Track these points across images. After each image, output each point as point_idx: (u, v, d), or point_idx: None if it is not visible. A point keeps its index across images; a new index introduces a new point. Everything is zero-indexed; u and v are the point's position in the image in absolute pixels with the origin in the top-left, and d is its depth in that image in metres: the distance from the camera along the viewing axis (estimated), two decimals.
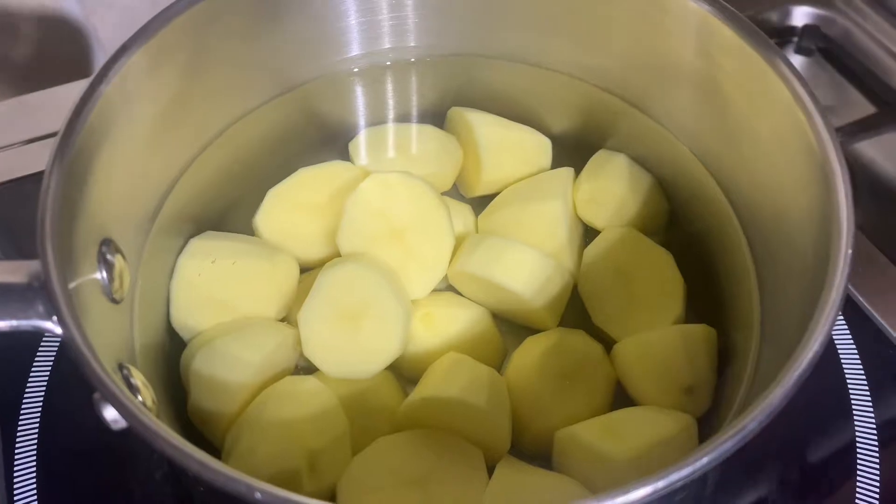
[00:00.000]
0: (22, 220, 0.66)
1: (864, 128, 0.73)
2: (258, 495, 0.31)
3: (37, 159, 0.70)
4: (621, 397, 0.53)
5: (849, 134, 0.73)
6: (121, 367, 0.43)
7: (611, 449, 0.47)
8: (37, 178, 0.67)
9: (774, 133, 0.47)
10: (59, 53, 0.84)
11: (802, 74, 0.80)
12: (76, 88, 0.74)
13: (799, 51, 0.82)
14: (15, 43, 0.82)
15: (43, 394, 0.57)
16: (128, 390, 0.38)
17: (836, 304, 0.37)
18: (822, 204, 0.42)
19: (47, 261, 0.38)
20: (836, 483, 0.54)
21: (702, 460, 0.33)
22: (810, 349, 0.36)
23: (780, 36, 0.83)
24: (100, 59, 0.85)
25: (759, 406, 0.34)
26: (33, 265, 0.39)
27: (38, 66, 0.84)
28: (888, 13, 0.80)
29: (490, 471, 0.48)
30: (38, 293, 0.38)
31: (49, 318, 0.38)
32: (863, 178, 0.75)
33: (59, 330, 0.38)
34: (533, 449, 0.52)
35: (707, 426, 0.50)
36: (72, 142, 0.43)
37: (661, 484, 0.32)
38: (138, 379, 0.44)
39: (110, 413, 0.37)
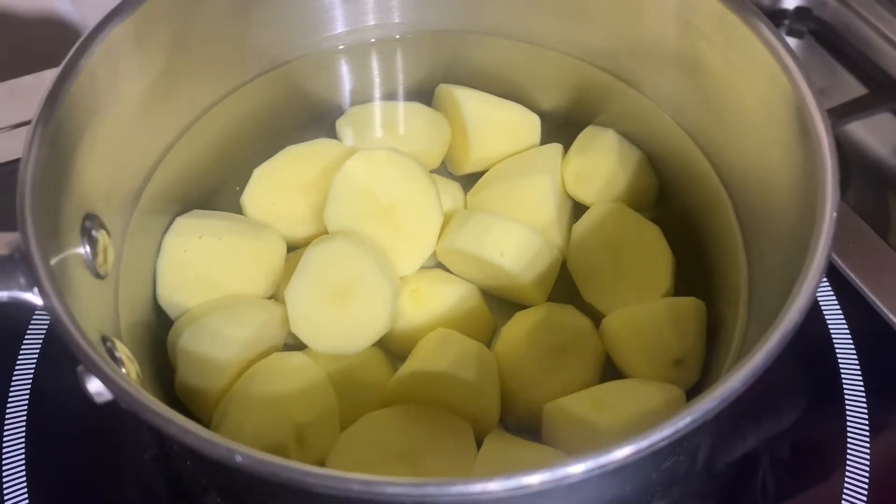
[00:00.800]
0: (10, 204, 0.66)
1: (855, 109, 0.73)
2: (239, 458, 0.31)
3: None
4: (610, 371, 0.53)
5: (840, 115, 0.73)
6: (104, 339, 0.43)
7: (599, 421, 0.46)
8: None
9: (760, 101, 0.47)
10: (48, 42, 0.83)
11: None
12: None
13: (790, 33, 0.82)
14: (1, 32, 0.81)
15: (32, 375, 0.57)
16: (111, 361, 0.38)
17: (821, 266, 0.37)
18: (808, 170, 0.42)
19: (27, 231, 0.38)
20: (826, 456, 0.54)
21: (685, 419, 0.33)
22: (794, 311, 0.36)
23: (772, 18, 0.81)
24: None
25: (742, 368, 0.34)
26: (14, 237, 0.39)
27: (25, 54, 0.84)
28: None
29: (479, 444, 0.48)
30: (19, 265, 0.38)
31: (30, 289, 0.38)
32: (854, 159, 0.75)
33: (39, 301, 0.37)
34: (522, 422, 0.52)
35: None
36: (53, 114, 0.43)
37: (644, 443, 0.32)
38: (122, 352, 0.44)
39: (94, 385, 0.37)
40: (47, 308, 0.37)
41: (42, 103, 0.42)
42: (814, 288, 0.36)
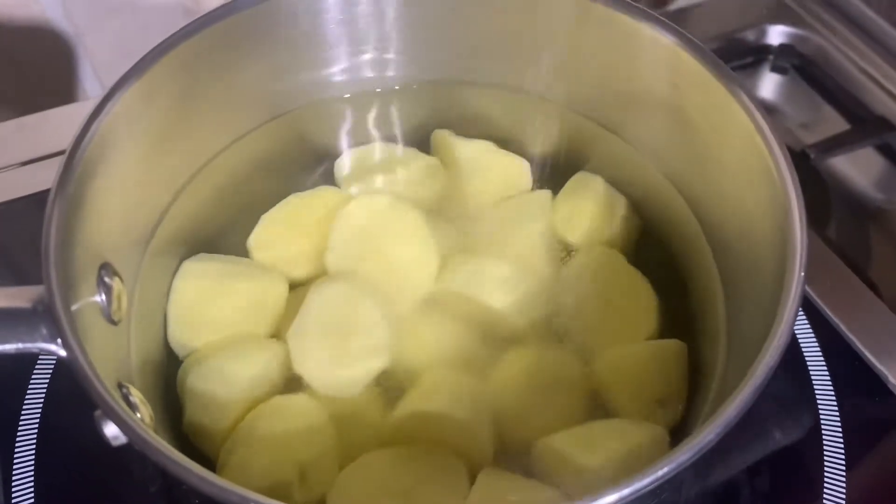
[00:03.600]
0: (17, 239, 0.69)
1: (837, 143, 0.76)
2: None
3: (32, 180, 0.72)
4: (598, 408, 0.55)
5: (823, 150, 0.75)
6: (120, 385, 0.45)
7: (586, 459, 0.49)
8: (32, 198, 0.70)
9: (738, 159, 0.50)
10: (51, 74, 0.86)
11: (778, 92, 0.84)
12: (70, 112, 0.77)
13: (775, 69, 0.85)
14: (6, 64, 0.84)
15: (40, 410, 0.59)
16: (128, 408, 0.40)
17: (788, 328, 0.39)
18: (780, 228, 0.45)
19: (51, 286, 0.41)
20: (804, 486, 0.56)
21: (663, 469, 0.35)
22: (762, 369, 0.38)
23: (757, 54, 0.85)
24: (92, 81, 0.87)
25: (715, 421, 0.36)
26: (37, 290, 0.41)
27: (30, 86, 0.86)
28: (861, 31, 0.83)
29: (473, 480, 0.50)
30: (42, 317, 0.41)
31: (53, 340, 0.40)
32: (836, 193, 0.77)
33: (63, 352, 0.40)
34: (514, 459, 0.53)
35: (679, 436, 0.52)
36: (72, 171, 0.45)
37: (626, 491, 0.34)
38: (137, 397, 0.46)
39: (111, 430, 0.39)
40: (70, 359, 0.39)
41: (61, 167, 0.44)
42: (781, 348, 0.39)
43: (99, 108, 0.47)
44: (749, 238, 0.50)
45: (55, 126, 0.77)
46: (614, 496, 0.34)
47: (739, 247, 0.51)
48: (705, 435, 0.36)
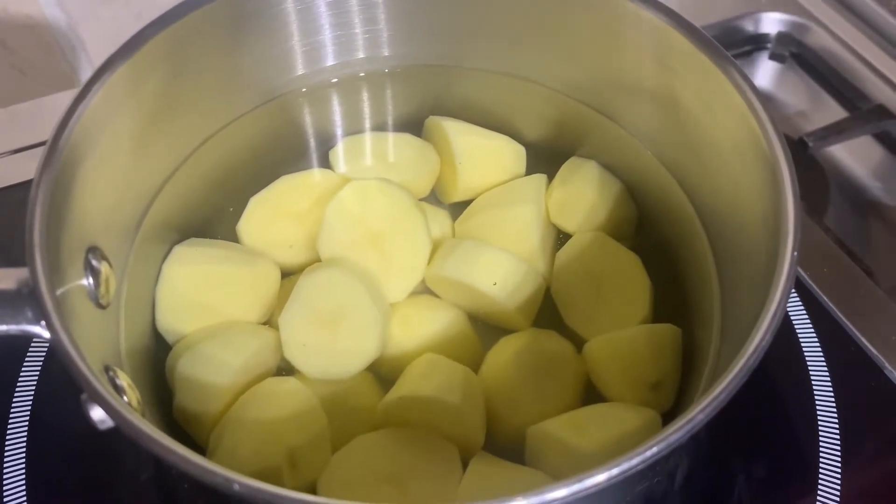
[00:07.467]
0: (11, 227, 0.68)
1: (835, 131, 0.76)
2: (236, 486, 0.33)
3: (25, 168, 0.72)
4: (591, 394, 0.55)
5: (820, 138, 0.75)
6: (107, 369, 0.45)
7: (578, 443, 0.48)
8: (25, 186, 0.69)
9: (731, 141, 0.49)
10: (47, 65, 0.85)
11: (776, 80, 0.84)
12: (63, 99, 0.77)
13: (773, 57, 0.85)
14: (2, 54, 0.83)
15: (31, 398, 0.59)
16: (114, 391, 0.40)
17: (780, 306, 0.39)
18: (774, 208, 0.44)
19: (35, 268, 0.40)
20: (800, 474, 0.56)
21: (652, 450, 0.35)
22: (754, 349, 0.38)
23: (755, 43, 0.85)
24: (86, 70, 0.87)
25: (705, 400, 0.36)
26: (22, 272, 0.41)
27: (25, 77, 0.86)
28: (859, 20, 0.83)
29: (465, 466, 0.50)
30: (27, 299, 0.40)
31: (37, 322, 0.40)
32: (833, 181, 0.77)
33: (47, 334, 0.39)
34: (507, 444, 0.53)
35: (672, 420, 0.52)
36: (58, 153, 0.45)
37: (615, 471, 0.34)
38: (124, 381, 0.46)
39: (97, 413, 0.39)
40: (54, 341, 0.39)
41: (47, 146, 0.44)
42: (774, 325, 0.38)
43: (84, 91, 0.47)
44: (743, 220, 0.49)
45: (48, 114, 0.77)
46: (603, 475, 0.34)
47: (734, 229, 0.51)
48: (695, 415, 0.36)
